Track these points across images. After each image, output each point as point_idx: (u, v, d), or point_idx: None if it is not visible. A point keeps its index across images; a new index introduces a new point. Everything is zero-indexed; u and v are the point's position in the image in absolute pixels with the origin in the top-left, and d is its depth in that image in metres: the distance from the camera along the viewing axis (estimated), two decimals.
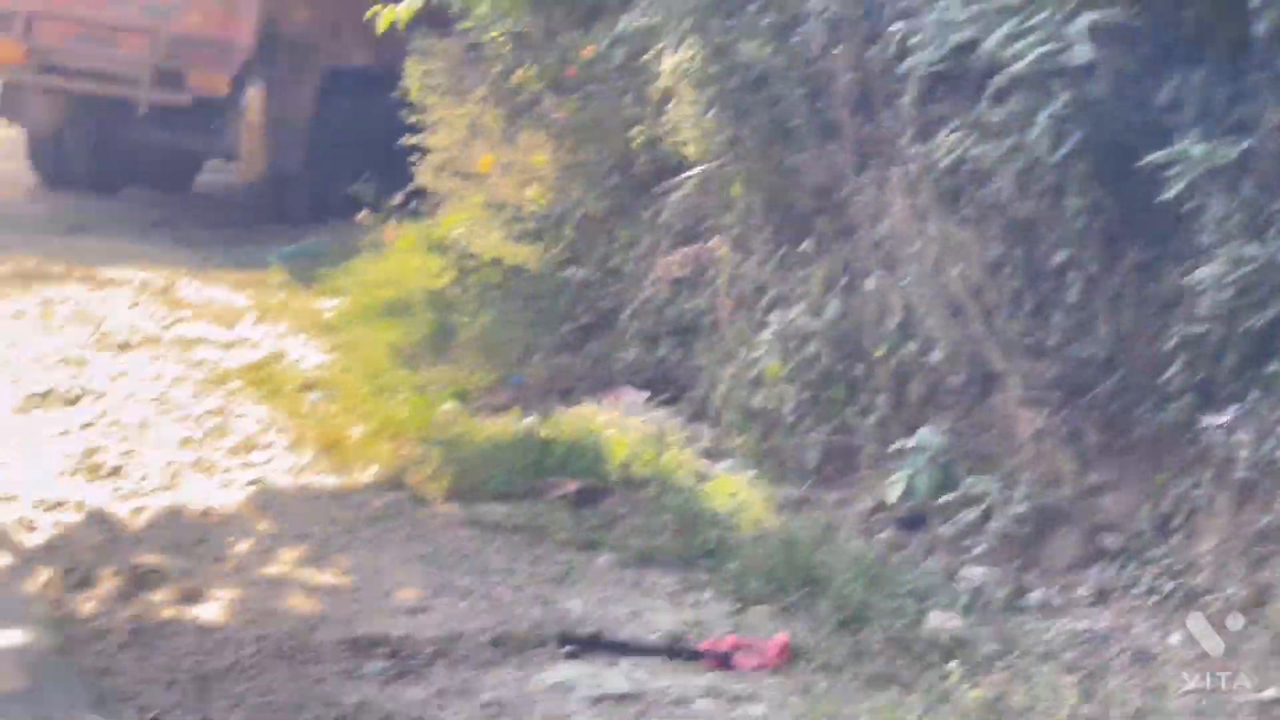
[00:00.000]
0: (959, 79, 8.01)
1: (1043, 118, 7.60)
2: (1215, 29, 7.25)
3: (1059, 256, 7.86)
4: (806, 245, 9.40)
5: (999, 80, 7.80)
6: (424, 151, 14.93)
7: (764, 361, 9.55)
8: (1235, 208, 6.91)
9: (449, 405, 10.53)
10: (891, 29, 8.27)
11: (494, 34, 13.13)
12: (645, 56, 10.50)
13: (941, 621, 6.83)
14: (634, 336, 11.19)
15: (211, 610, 7.03)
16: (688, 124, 10.16)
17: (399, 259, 14.24)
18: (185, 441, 9.73)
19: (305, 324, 13.39)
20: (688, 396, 10.35)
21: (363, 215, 15.16)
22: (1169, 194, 6.97)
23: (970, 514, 8.00)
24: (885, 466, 8.64)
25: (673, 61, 10.09)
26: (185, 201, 19.63)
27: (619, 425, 9.79)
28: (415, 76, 14.92)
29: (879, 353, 8.86)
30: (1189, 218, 7.11)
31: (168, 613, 6.99)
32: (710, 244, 10.34)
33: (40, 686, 6.17)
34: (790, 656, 6.51)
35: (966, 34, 7.89)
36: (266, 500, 8.64)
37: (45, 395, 10.67)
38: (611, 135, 11.96)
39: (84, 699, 6.02)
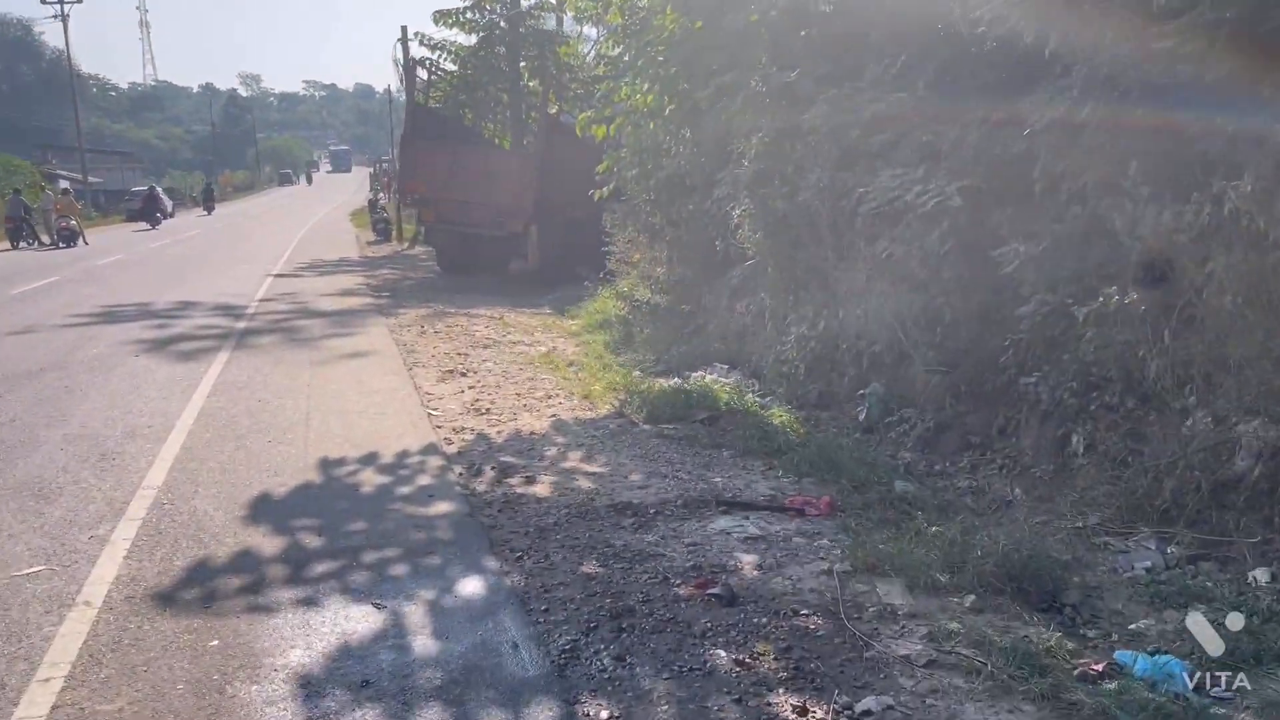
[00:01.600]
0: (890, 215, 6.78)
1: (934, 233, 6.41)
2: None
3: (938, 298, 6.65)
4: (805, 294, 8.22)
5: (909, 216, 6.60)
6: (611, 252, 13.83)
7: (787, 350, 8.40)
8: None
9: (637, 373, 9.44)
10: (857, 190, 7.03)
11: (641, 199, 12.00)
12: (726, 207, 9.24)
13: (901, 487, 5.70)
14: (717, 338, 10.02)
15: (541, 488, 5.97)
16: (747, 237, 8.98)
17: (603, 302, 13.24)
18: (518, 395, 8.74)
19: (564, 334, 12.35)
20: (746, 367, 9.19)
21: (586, 282, 14.19)
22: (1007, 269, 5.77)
23: (901, 427, 6.87)
24: (853, 403, 7.49)
25: (739, 210, 8.92)
26: (503, 279, 18.59)
27: (717, 382, 8.67)
28: (608, 220, 13.82)
29: (844, 345, 7.71)
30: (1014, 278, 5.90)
31: (520, 490, 5.93)
32: (759, 296, 9.12)
33: (457, 535, 5.09)
34: (834, 508, 5.35)
35: (895, 192, 6.68)
36: (559, 425, 7.68)
37: (450, 372, 9.68)
38: (700, 244, 10.83)
39: (481, 542, 4.96)
